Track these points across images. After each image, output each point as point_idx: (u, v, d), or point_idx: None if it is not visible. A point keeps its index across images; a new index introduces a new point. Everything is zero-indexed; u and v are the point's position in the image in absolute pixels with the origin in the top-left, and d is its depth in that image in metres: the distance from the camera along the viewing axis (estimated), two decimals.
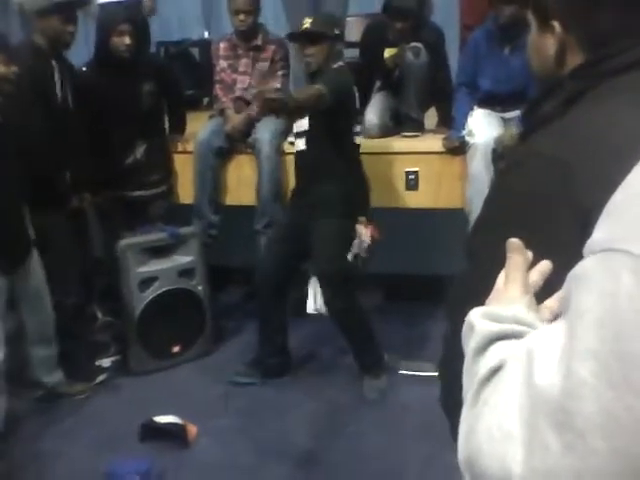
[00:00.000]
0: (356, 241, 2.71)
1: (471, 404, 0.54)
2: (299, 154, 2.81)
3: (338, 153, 2.73)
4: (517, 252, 0.63)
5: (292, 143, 2.99)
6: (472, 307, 0.63)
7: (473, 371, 0.56)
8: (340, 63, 2.81)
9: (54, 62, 2.72)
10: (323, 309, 2.88)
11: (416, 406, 2.71)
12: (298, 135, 2.80)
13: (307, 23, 2.65)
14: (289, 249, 2.84)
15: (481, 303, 0.64)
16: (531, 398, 0.47)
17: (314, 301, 2.98)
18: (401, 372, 3.03)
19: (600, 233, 0.49)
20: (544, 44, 0.83)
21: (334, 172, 2.72)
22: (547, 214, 0.74)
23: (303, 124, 2.74)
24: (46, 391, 2.79)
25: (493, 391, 0.52)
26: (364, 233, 2.72)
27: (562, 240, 0.68)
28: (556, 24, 0.80)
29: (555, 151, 0.75)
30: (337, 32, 2.75)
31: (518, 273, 0.63)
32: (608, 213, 0.50)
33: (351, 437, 2.58)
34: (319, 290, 2.85)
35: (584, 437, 0.43)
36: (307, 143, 2.74)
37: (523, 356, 0.50)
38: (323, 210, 2.71)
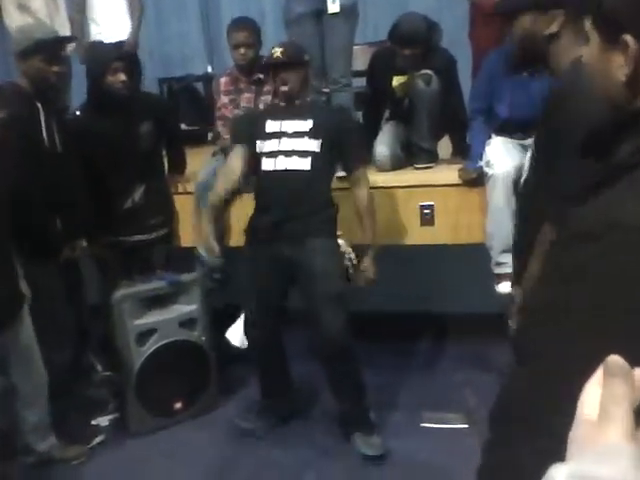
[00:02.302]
0: (346, 256, 2.62)
1: None
2: (294, 173, 2.54)
3: (332, 178, 2.69)
4: (619, 375, 0.41)
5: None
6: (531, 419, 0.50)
7: None
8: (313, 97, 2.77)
9: (39, 105, 2.56)
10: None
11: (443, 462, 2.47)
12: (293, 154, 2.55)
13: (278, 52, 2.55)
14: (275, 291, 2.65)
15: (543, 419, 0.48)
16: None
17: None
18: (423, 425, 2.78)
19: None
20: (610, 64, 0.61)
21: (329, 195, 2.64)
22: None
23: (305, 144, 2.54)
24: (38, 458, 2.57)
25: None
26: (344, 245, 2.62)
27: None
28: (630, 39, 0.58)
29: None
30: (307, 58, 2.65)
31: (620, 408, 0.41)
32: None
33: None
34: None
35: None
36: (312, 164, 2.53)
37: None
38: (316, 232, 2.54)
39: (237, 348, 2.83)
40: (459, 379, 3.13)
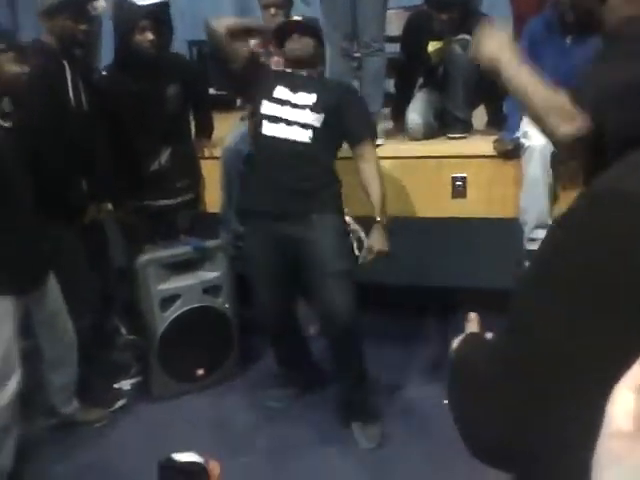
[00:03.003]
0: (353, 234, 2.51)
1: None
2: (294, 144, 2.45)
3: (335, 154, 2.59)
4: None
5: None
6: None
7: None
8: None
9: (65, 63, 2.50)
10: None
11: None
12: (294, 124, 2.47)
13: (296, 17, 2.58)
14: (280, 271, 2.54)
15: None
16: None
17: None
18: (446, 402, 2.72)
19: None
20: None
21: (333, 170, 2.54)
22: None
23: (307, 116, 2.46)
24: (61, 420, 2.58)
25: None
26: (352, 221, 2.52)
27: None
28: None
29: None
30: (322, 35, 2.62)
31: None
32: None
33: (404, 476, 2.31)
34: None
35: None
36: (313, 138, 2.45)
37: None
38: (321, 208, 2.45)
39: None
40: None
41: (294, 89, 2.51)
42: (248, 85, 2.60)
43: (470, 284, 3.37)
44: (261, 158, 2.54)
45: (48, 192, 2.45)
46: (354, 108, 2.56)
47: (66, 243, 2.53)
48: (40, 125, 2.39)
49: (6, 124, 2.21)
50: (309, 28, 2.54)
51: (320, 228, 2.42)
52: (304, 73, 2.54)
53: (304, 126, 2.46)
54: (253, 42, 2.96)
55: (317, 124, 2.46)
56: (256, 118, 2.55)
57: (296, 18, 2.57)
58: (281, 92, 2.51)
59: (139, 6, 3.10)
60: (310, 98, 2.49)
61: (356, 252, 2.47)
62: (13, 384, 2.21)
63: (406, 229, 3.04)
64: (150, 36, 2.74)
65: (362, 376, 2.55)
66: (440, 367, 2.93)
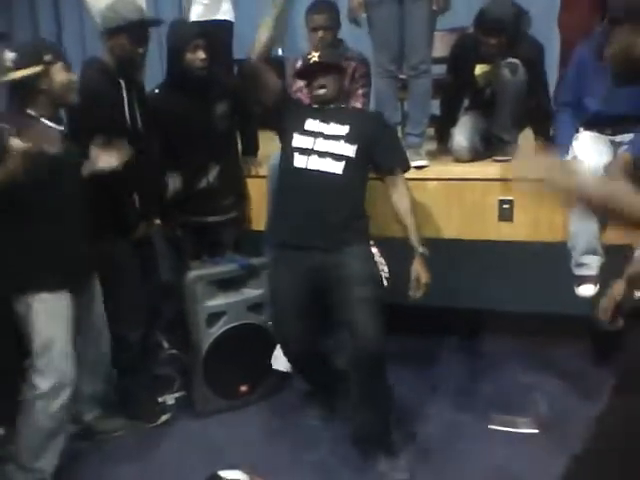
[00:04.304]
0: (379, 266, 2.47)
1: None
2: (326, 176, 2.44)
3: (366, 185, 2.57)
4: None
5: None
6: None
7: None
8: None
9: (122, 82, 2.56)
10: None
11: (513, 468, 2.40)
12: (327, 155, 2.46)
13: (315, 56, 2.54)
14: (305, 301, 2.47)
15: None
16: None
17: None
18: (491, 427, 2.70)
19: None
20: None
21: (362, 203, 2.53)
22: None
23: (341, 147, 2.47)
24: (82, 427, 2.63)
25: None
26: (377, 254, 2.48)
27: None
28: None
29: None
30: (344, 65, 2.67)
31: None
32: None
33: None
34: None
35: None
36: (345, 169, 2.45)
37: None
38: (350, 241, 2.43)
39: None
40: (526, 381, 3.04)
41: (326, 120, 2.51)
42: (278, 118, 2.59)
43: (516, 308, 3.35)
44: (292, 190, 2.51)
45: (103, 208, 2.52)
46: (386, 138, 2.58)
47: (120, 258, 2.58)
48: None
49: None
50: (331, 66, 2.54)
51: (350, 257, 2.40)
52: (332, 106, 2.56)
53: (338, 157, 2.46)
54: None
55: (351, 154, 2.46)
56: (287, 151, 2.54)
57: (315, 58, 2.53)
58: (313, 124, 2.52)
59: (193, 25, 3.17)
60: (343, 129, 2.49)
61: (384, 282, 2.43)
62: (67, 389, 2.24)
63: (451, 252, 3.04)
64: (202, 55, 2.79)
65: (390, 407, 2.45)
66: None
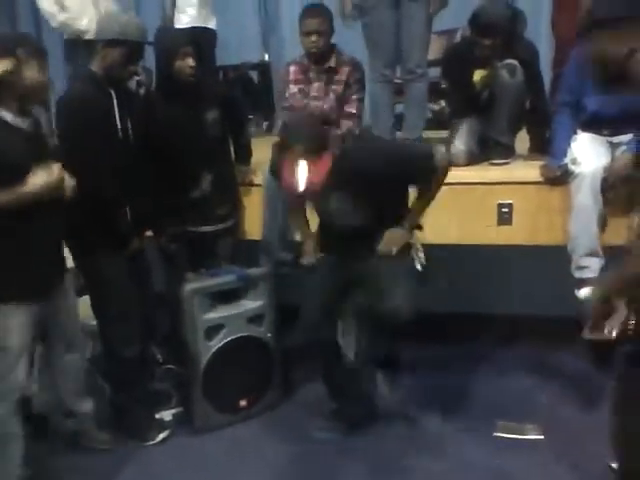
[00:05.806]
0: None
1: None
2: None
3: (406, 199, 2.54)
4: None
5: None
6: None
7: None
8: None
9: (112, 92, 2.49)
10: None
11: (515, 474, 2.36)
12: None
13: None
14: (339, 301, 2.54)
15: None
16: None
17: None
18: (496, 435, 2.66)
19: None
20: None
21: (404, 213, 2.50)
22: None
23: None
24: (79, 420, 2.58)
25: None
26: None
27: None
28: None
29: None
30: None
31: None
32: None
33: None
34: None
35: None
36: None
37: None
38: None
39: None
40: (529, 385, 3.01)
41: None
42: None
43: (516, 311, 3.32)
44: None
45: (95, 222, 2.44)
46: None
47: (114, 271, 2.50)
48: (89, 154, 2.37)
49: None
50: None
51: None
52: None
53: None
54: None
55: None
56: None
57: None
58: None
59: (181, 32, 3.11)
60: None
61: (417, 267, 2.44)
62: (15, 393, 2.17)
63: (451, 256, 3.00)
64: (191, 62, 2.74)
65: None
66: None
